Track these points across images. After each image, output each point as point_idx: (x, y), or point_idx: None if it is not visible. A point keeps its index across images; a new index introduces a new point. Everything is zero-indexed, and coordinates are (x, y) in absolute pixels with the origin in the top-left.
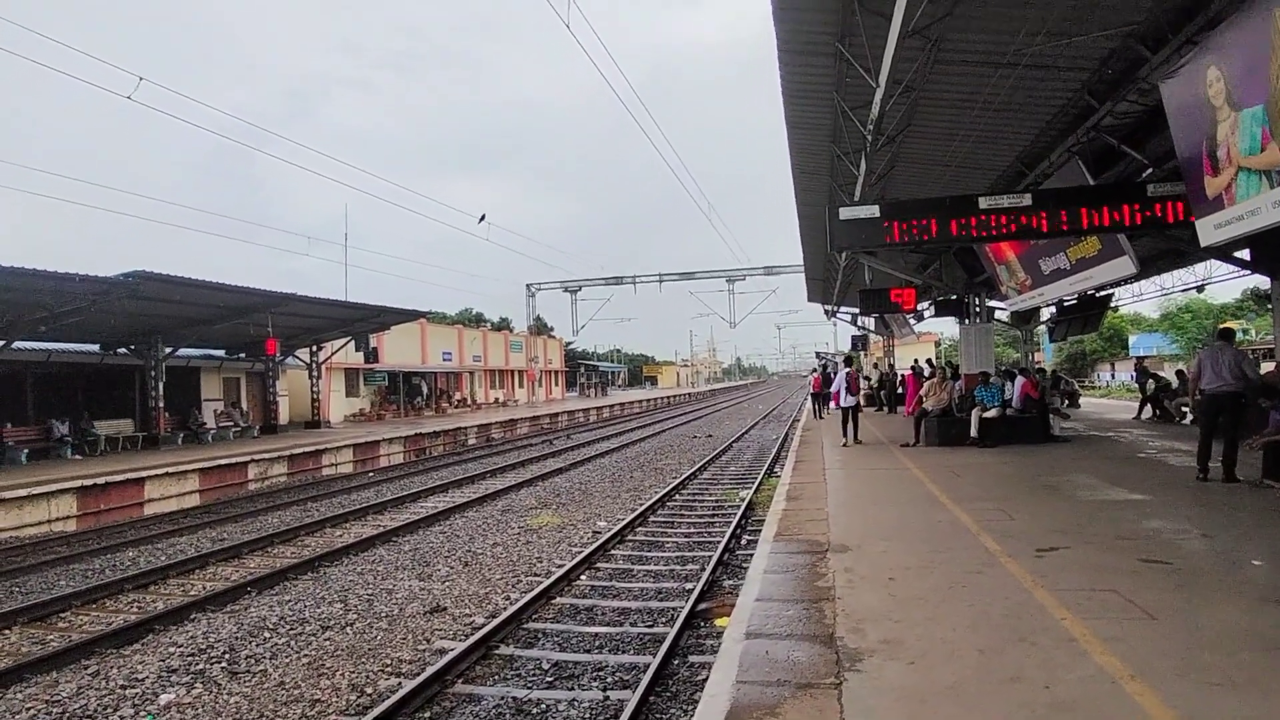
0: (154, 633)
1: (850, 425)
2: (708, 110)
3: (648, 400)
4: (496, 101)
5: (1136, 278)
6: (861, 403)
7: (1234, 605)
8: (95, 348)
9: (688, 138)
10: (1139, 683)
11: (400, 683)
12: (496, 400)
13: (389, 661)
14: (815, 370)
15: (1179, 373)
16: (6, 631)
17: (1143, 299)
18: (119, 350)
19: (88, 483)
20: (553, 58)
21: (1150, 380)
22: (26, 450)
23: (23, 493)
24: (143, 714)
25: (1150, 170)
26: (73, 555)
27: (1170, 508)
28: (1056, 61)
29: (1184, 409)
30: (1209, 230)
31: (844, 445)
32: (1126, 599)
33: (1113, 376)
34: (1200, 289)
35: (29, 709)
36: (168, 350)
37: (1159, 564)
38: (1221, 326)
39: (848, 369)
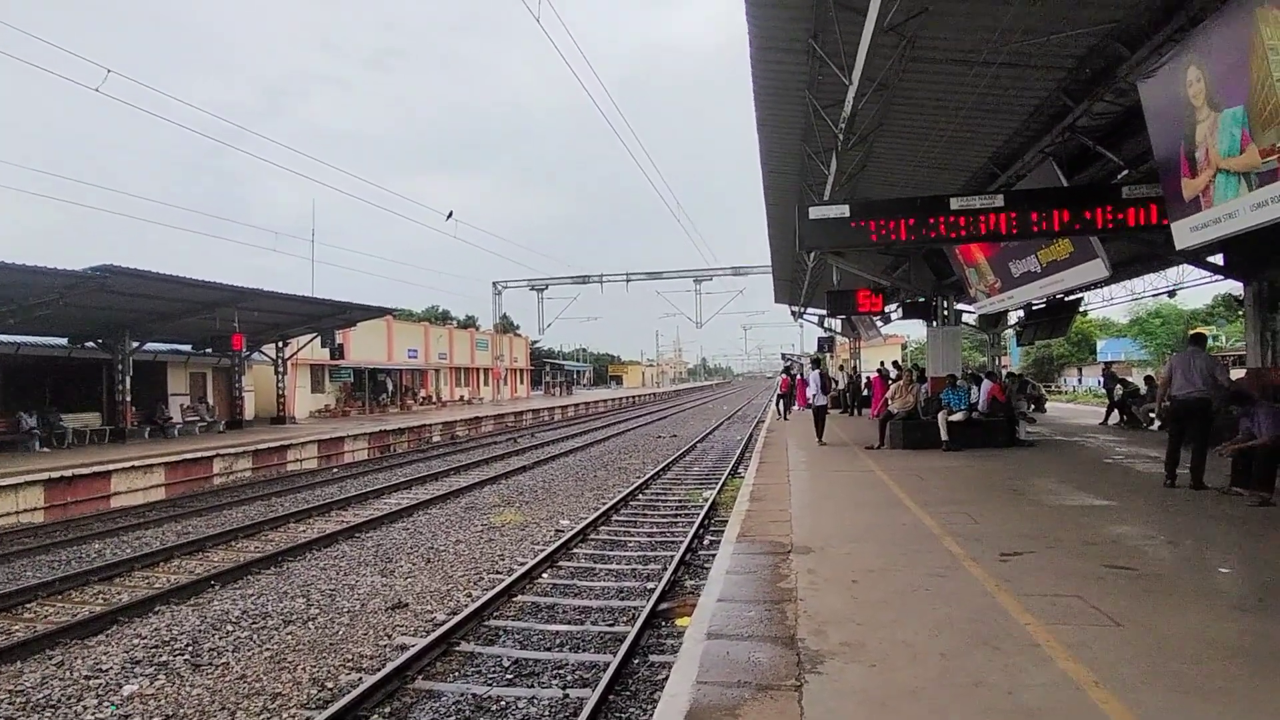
0: (118, 624)
1: (822, 424)
2: (682, 110)
3: (613, 400)
4: (471, 101)
5: (1108, 281)
6: (828, 404)
7: (1200, 612)
8: (63, 341)
9: (661, 138)
10: (1103, 690)
11: (361, 678)
12: (462, 398)
13: (350, 656)
14: (782, 372)
15: (1148, 378)
16: None
17: (1113, 303)
18: (87, 344)
19: (55, 475)
20: (530, 58)
21: (1118, 385)
22: None
23: None
24: (106, 704)
25: (1126, 172)
26: (39, 546)
27: (1137, 514)
28: (1033, 60)
29: (1152, 415)
30: (1185, 233)
31: (823, 443)
32: (1091, 605)
33: (1080, 381)
34: (1172, 294)
35: None
36: (135, 345)
37: (1124, 570)
38: (1193, 332)
39: (816, 370)
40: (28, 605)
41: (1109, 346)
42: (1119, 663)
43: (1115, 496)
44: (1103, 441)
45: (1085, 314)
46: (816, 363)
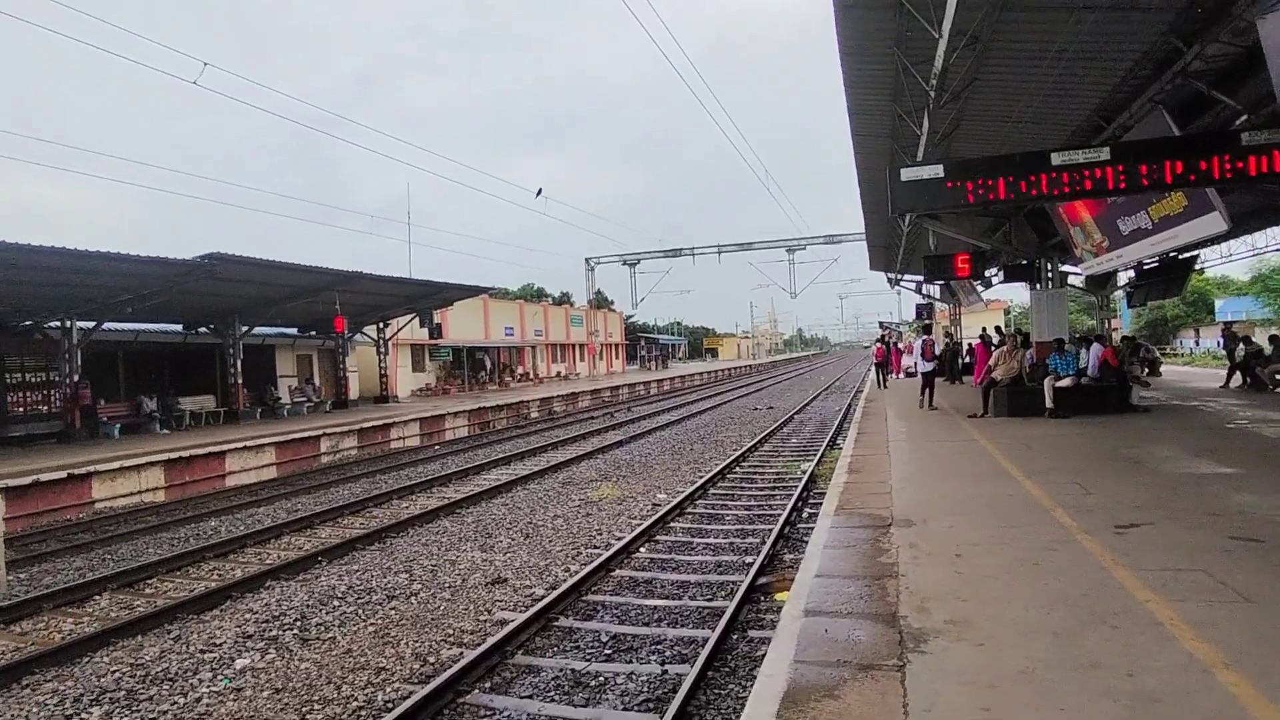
0: (231, 599)
1: (928, 391)
2: (769, 77)
3: (708, 373)
4: (559, 77)
5: (1227, 236)
6: (934, 370)
7: None
8: (178, 328)
9: (747, 106)
10: (1233, 672)
11: (462, 652)
12: (558, 374)
13: (451, 631)
14: (878, 340)
15: (1273, 337)
16: (98, 597)
17: (1232, 260)
18: (200, 330)
19: (174, 456)
20: (616, 31)
21: (1240, 345)
22: (119, 425)
23: (116, 465)
24: (220, 677)
25: (1246, 117)
26: (160, 524)
27: (1265, 481)
28: (1139, 2)
29: (1278, 376)
30: None
31: (922, 408)
32: (1218, 580)
33: (1197, 343)
34: None
35: (114, 671)
36: (244, 329)
37: (1254, 542)
38: None
39: (926, 337)
40: (149, 581)
41: (1228, 305)
42: (1252, 643)
43: (1241, 463)
44: (1225, 405)
45: (1202, 272)
46: (928, 329)
